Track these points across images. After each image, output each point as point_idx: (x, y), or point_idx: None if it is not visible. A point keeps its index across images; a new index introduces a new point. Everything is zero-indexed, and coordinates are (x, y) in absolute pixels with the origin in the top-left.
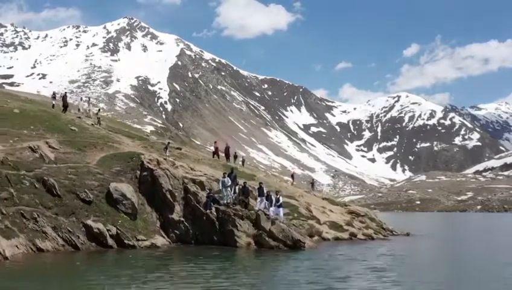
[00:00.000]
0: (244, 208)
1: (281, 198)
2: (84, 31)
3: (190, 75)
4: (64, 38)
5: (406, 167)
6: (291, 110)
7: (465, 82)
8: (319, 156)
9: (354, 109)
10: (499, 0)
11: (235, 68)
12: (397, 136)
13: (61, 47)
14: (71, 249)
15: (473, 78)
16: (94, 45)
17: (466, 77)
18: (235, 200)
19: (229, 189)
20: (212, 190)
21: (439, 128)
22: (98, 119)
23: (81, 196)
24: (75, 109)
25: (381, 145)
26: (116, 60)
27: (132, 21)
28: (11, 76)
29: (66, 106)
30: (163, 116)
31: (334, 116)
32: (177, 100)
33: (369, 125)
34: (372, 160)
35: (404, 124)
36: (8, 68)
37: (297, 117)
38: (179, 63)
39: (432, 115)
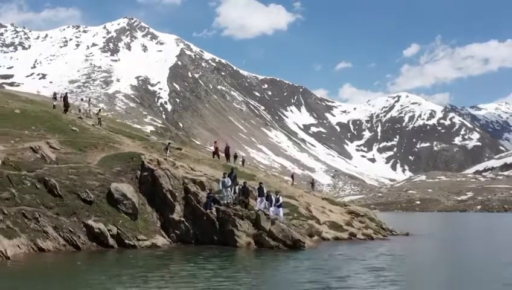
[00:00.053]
0: (244, 208)
1: (280, 198)
2: (84, 31)
3: (190, 75)
4: (64, 38)
5: (406, 167)
6: (291, 110)
7: (465, 82)
8: (319, 156)
9: (354, 109)
10: (499, 0)
11: (235, 68)
12: (397, 136)
13: (61, 47)
14: (72, 249)
15: (473, 78)
16: (94, 45)
17: (466, 77)
18: (235, 200)
19: (229, 189)
20: (212, 190)
21: (439, 128)
22: (99, 119)
23: (82, 196)
24: (75, 109)
25: (381, 145)
26: (116, 60)
27: (132, 21)
28: (11, 76)
29: (67, 106)
30: (163, 116)
31: (334, 116)
32: (177, 100)
33: (369, 125)
34: (372, 160)
35: (404, 124)
36: (8, 68)
37: (297, 117)
38: (179, 63)
39: (431, 115)
